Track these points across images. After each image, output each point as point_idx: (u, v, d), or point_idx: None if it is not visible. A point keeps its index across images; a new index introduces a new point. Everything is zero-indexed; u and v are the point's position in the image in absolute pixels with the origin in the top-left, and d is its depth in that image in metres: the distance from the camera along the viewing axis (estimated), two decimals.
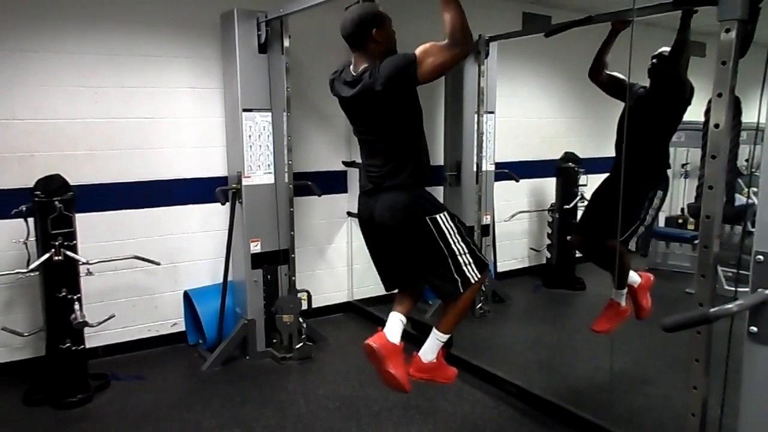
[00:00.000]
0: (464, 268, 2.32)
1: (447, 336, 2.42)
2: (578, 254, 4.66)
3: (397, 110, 2.24)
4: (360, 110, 2.34)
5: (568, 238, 3.61)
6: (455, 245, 2.30)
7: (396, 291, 2.55)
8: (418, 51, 2.11)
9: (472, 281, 2.34)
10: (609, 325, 3.25)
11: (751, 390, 1.31)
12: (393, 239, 2.37)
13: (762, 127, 1.30)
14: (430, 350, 2.42)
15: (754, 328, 1.28)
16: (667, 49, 3.12)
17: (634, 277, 3.29)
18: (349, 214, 4.67)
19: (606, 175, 3.43)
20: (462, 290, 2.33)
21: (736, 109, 1.86)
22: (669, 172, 3.40)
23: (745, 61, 1.77)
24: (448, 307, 2.41)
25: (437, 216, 2.28)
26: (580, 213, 5.29)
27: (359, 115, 2.38)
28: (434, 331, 2.42)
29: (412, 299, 2.55)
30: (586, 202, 3.95)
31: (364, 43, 2.23)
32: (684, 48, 2.96)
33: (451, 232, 2.30)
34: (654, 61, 3.18)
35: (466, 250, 2.32)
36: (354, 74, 2.28)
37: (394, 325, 2.43)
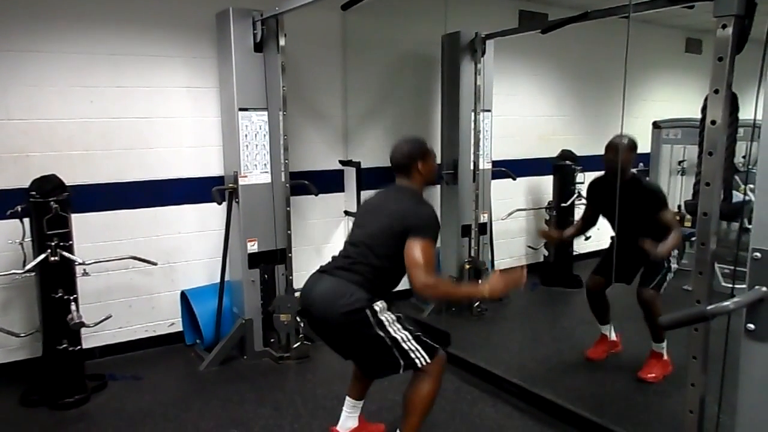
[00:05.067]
0: (411, 354, 2.36)
1: None
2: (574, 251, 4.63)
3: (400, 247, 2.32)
4: (377, 220, 2.45)
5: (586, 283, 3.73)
6: (396, 333, 2.35)
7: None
8: (424, 244, 2.27)
9: (419, 365, 2.36)
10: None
11: (749, 387, 1.30)
12: (330, 328, 2.44)
13: (759, 124, 1.30)
14: None
15: (751, 326, 1.27)
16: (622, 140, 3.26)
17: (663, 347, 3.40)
18: (346, 213, 4.66)
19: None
20: (402, 371, 2.38)
21: (733, 105, 1.85)
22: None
23: (742, 57, 1.77)
24: (409, 406, 2.42)
25: (367, 309, 2.33)
26: (577, 212, 5.32)
27: (374, 221, 2.47)
28: None
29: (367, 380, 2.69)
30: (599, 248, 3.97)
31: (409, 173, 2.50)
32: None
33: (389, 322, 2.35)
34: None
35: (410, 338, 2.37)
36: (396, 195, 2.50)
37: (346, 414, 2.70)
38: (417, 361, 2.36)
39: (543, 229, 3.69)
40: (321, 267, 2.55)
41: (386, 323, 2.33)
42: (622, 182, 3.09)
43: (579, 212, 5.26)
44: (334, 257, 2.55)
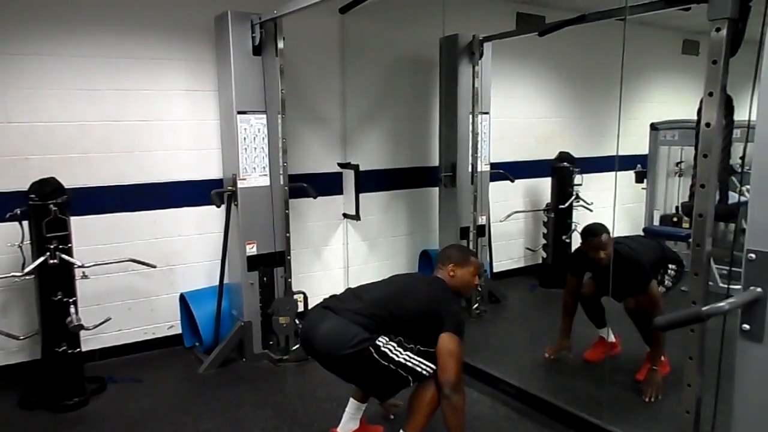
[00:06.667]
0: (417, 369, 2.42)
1: None
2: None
3: (425, 326, 2.44)
4: (411, 292, 2.57)
5: (582, 291, 3.68)
6: (399, 357, 2.40)
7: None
8: (460, 343, 2.42)
9: (426, 374, 2.43)
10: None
11: (744, 387, 1.31)
12: (334, 364, 2.51)
13: (753, 125, 1.31)
14: None
15: (747, 326, 1.28)
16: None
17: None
18: (345, 215, 4.67)
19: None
20: (412, 384, 2.45)
21: (728, 107, 1.87)
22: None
23: (737, 59, 1.78)
24: (414, 406, 2.46)
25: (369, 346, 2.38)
26: (575, 213, 5.33)
27: (406, 291, 2.58)
28: None
29: None
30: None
31: (446, 268, 2.65)
32: None
33: (391, 349, 2.39)
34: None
35: (412, 355, 2.42)
36: (437, 282, 2.63)
37: (348, 416, 2.73)
38: (423, 372, 2.44)
39: (553, 350, 3.76)
40: (325, 302, 2.59)
41: (389, 352, 2.39)
42: (605, 264, 3.22)
43: (577, 214, 5.30)
44: (340, 296, 2.61)
